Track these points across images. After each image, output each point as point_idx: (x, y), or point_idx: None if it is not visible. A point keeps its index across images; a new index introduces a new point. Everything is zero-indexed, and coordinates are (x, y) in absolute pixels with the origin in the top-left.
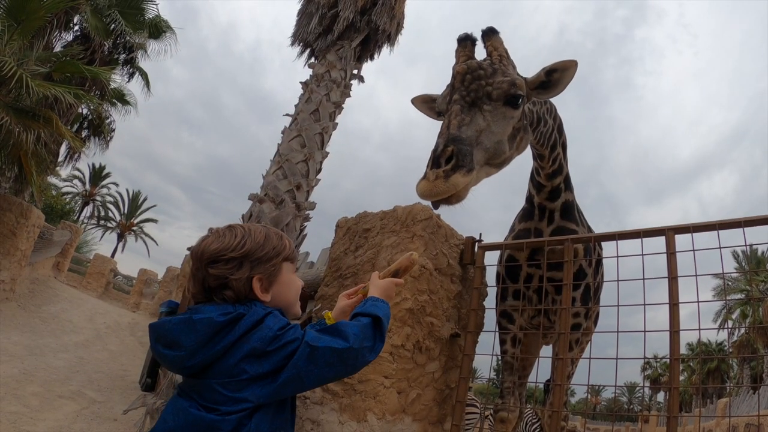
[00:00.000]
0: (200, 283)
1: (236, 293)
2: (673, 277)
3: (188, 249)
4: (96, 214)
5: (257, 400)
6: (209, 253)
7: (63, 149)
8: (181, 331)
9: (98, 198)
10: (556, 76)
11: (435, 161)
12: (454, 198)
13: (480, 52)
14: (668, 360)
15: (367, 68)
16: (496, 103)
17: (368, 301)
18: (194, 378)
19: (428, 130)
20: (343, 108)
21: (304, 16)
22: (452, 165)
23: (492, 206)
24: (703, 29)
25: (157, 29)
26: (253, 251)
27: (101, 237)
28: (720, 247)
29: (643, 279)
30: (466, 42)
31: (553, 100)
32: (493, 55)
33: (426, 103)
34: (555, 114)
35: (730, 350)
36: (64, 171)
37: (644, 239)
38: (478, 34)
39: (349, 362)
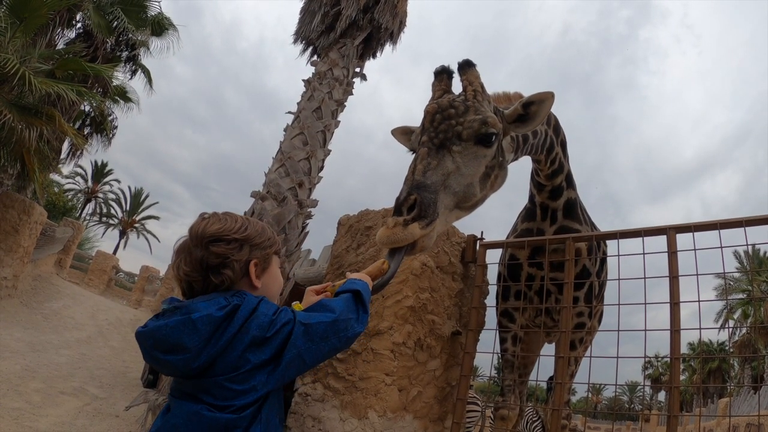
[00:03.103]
0: (198, 261)
1: (234, 274)
2: (674, 277)
3: None
4: (98, 211)
5: (264, 388)
6: (212, 232)
7: (65, 146)
8: (182, 333)
9: (100, 195)
10: (533, 109)
11: (397, 209)
12: (417, 247)
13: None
14: (669, 359)
15: (370, 66)
16: (466, 143)
17: (347, 282)
18: (197, 378)
19: None
20: (345, 106)
21: (306, 14)
22: (413, 215)
23: (494, 204)
24: (707, 29)
25: (160, 27)
26: (252, 236)
27: (103, 234)
28: (721, 247)
29: (644, 278)
30: (442, 75)
31: (554, 100)
32: (467, 90)
33: (405, 135)
34: (548, 116)
35: (731, 350)
36: (67, 168)
37: (645, 238)
38: (471, 58)
39: (340, 333)
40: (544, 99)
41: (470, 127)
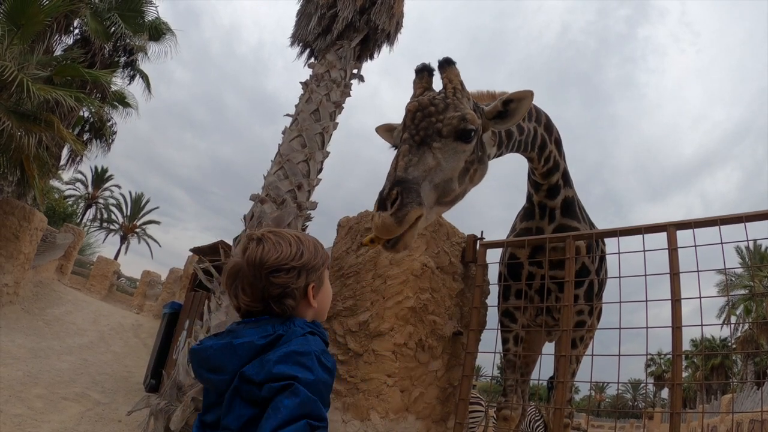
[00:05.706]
0: (260, 291)
1: (296, 302)
2: (674, 273)
3: (191, 250)
4: (99, 216)
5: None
6: (271, 263)
7: (65, 152)
8: (224, 356)
9: (101, 200)
10: (512, 106)
11: (381, 204)
12: (401, 245)
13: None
14: (671, 356)
15: (370, 68)
16: (446, 140)
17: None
18: None
19: None
20: (343, 108)
21: (303, 16)
22: (398, 205)
23: (494, 204)
24: (706, 27)
25: (157, 31)
26: (308, 261)
27: (104, 239)
28: (722, 243)
29: (645, 275)
30: (423, 73)
31: (554, 100)
32: (447, 87)
33: (389, 132)
34: (538, 115)
35: (734, 346)
36: (67, 174)
37: (646, 235)
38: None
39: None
40: (524, 97)
41: (449, 124)
